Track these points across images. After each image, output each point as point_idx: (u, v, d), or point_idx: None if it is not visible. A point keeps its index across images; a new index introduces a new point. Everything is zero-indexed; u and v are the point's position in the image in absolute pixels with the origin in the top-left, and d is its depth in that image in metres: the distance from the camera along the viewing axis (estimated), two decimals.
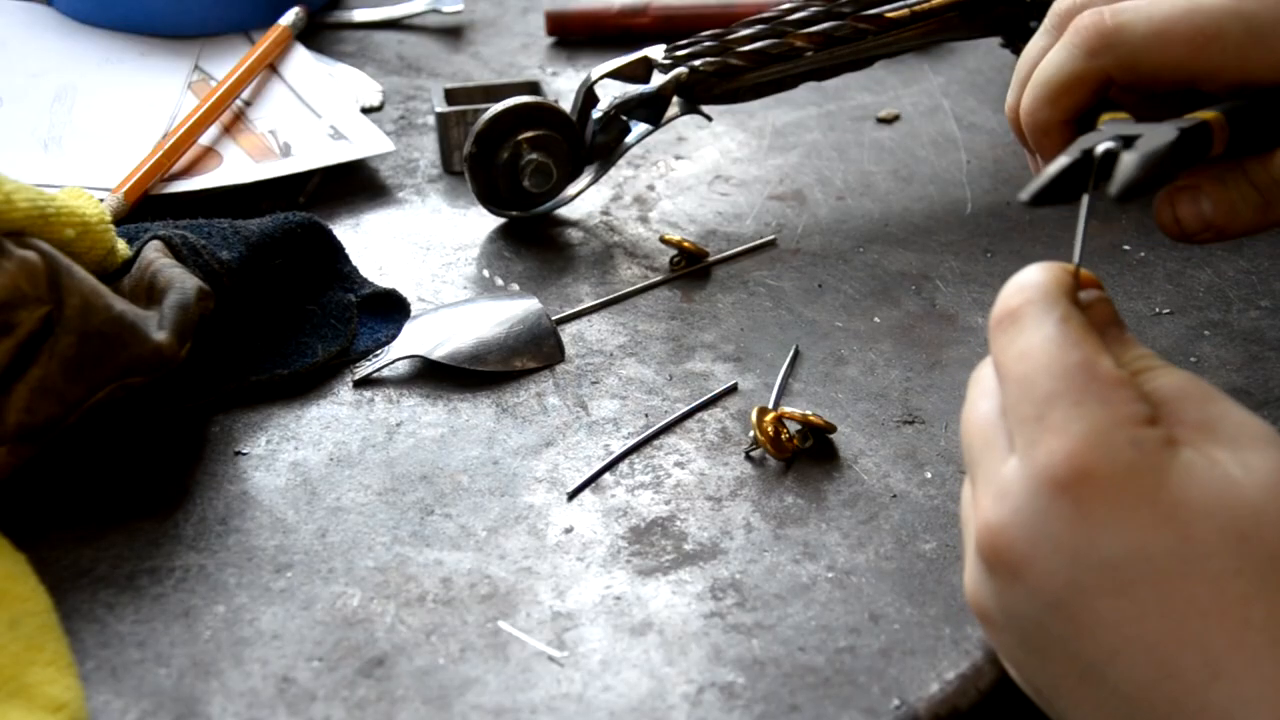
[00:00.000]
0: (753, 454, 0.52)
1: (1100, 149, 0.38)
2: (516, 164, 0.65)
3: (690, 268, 0.64)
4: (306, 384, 0.56)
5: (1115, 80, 0.50)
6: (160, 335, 0.48)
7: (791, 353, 0.57)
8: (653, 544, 0.48)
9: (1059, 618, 0.33)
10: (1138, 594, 0.32)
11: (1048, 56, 0.49)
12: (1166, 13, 0.50)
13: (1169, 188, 0.48)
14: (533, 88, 0.74)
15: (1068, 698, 0.35)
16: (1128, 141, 0.39)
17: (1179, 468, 0.33)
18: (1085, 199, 0.38)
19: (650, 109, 0.66)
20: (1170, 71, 0.50)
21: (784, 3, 0.69)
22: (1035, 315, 0.36)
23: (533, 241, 0.67)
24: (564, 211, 0.69)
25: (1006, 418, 0.36)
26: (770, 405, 0.54)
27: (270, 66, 0.79)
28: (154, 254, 0.52)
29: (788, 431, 0.52)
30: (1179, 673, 0.32)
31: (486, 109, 0.65)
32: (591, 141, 0.66)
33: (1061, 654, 0.34)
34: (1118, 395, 0.34)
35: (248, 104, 0.75)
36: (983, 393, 0.38)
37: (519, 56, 0.87)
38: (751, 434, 0.51)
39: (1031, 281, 0.37)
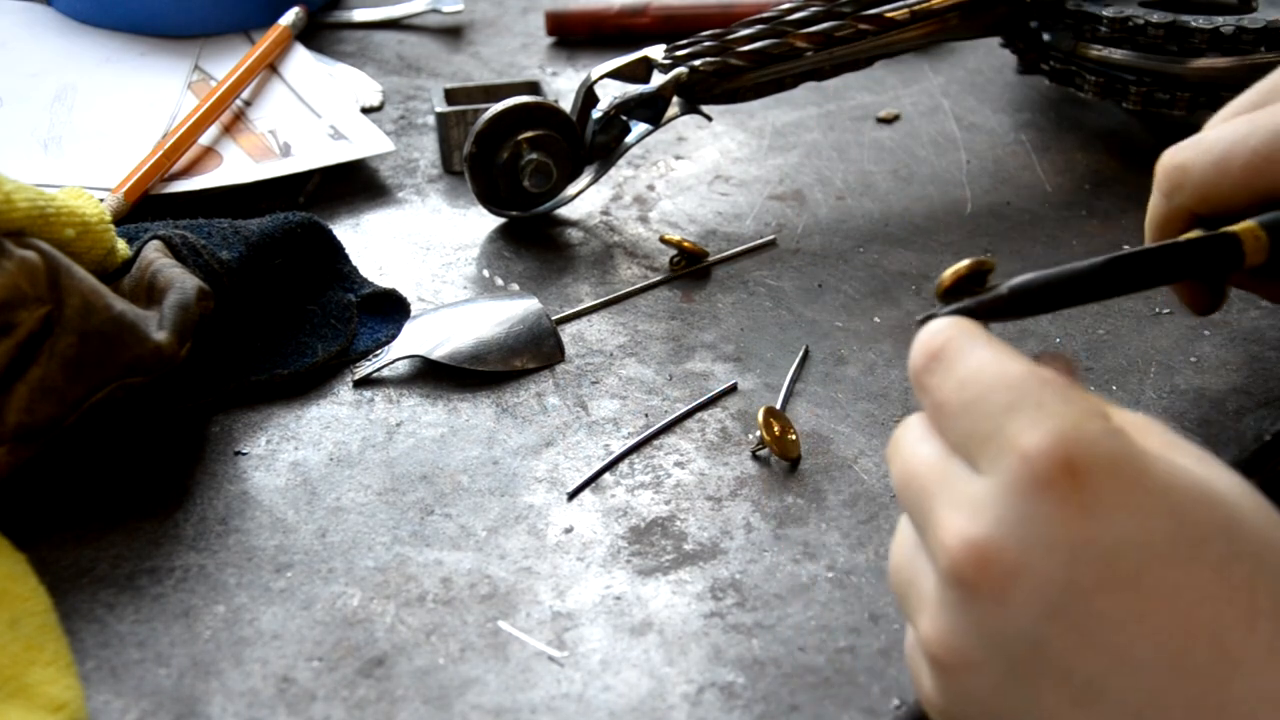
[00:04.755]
0: (759, 454, 0.52)
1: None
2: (516, 164, 0.65)
3: (690, 268, 0.64)
4: (306, 384, 0.56)
5: (1197, 213, 0.52)
6: (160, 335, 0.48)
7: (801, 353, 0.57)
8: (653, 544, 0.48)
9: (1057, 627, 0.31)
10: (1142, 586, 0.31)
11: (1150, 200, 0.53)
12: (1225, 145, 0.50)
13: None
14: (533, 88, 0.74)
15: None
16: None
17: (1155, 458, 0.32)
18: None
19: (650, 109, 0.66)
20: (1240, 195, 0.50)
21: (784, 3, 0.69)
22: (962, 346, 0.35)
23: (533, 241, 0.67)
24: (564, 211, 0.69)
25: (959, 449, 0.34)
26: (778, 406, 0.54)
27: (270, 66, 0.79)
28: (154, 254, 0.52)
29: (795, 433, 0.52)
30: (1194, 669, 0.30)
31: (486, 109, 0.65)
32: (591, 141, 0.66)
33: (1055, 677, 0.31)
34: (1074, 393, 0.33)
35: (248, 104, 0.75)
36: (918, 439, 0.36)
37: (519, 56, 0.87)
38: (758, 434, 0.51)
39: (945, 324, 0.37)
